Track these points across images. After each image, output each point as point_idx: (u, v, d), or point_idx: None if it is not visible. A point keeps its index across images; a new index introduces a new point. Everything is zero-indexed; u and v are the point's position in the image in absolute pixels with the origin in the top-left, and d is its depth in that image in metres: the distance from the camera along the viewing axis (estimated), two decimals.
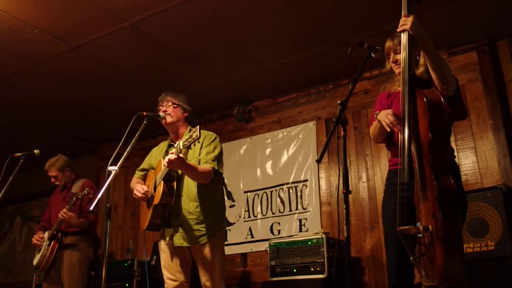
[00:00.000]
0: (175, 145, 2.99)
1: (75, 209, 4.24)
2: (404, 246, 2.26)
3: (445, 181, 2.18)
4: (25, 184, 6.06)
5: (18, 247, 7.40)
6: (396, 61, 2.69)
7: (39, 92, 5.08)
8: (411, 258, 2.24)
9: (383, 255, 4.23)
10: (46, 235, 4.36)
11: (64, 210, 4.11)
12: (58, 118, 5.75)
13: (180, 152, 2.87)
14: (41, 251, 4.28)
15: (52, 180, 4.55)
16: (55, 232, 4.26)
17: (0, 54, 4.32)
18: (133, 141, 2.96)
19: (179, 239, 3.10)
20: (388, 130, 2.50)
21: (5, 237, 7.64)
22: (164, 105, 3.33)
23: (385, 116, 2.49)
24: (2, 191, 3.60)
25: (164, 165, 3.00)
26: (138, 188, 3.26)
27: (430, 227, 2.13)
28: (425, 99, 2.31)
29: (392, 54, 2.71)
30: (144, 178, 3.48)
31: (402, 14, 2.47)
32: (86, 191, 4.09)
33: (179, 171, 3.15)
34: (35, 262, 4.32)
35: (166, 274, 3.19)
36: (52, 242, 4.25)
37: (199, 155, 3.20)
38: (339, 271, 3.82)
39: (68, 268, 4.20)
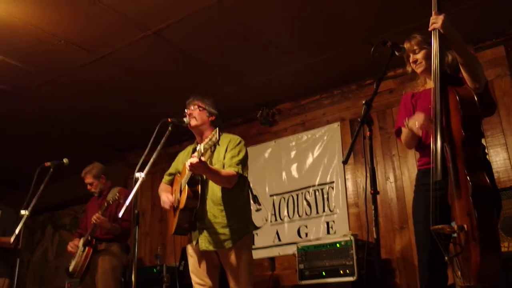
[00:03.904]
0: (197, 148, 3.01)
1: (109, 215, 4.30)
2: (436, 247, 2.22)
3: (479, 178, 2.14)
4: (55, 193, 6.18)
5: (50, 255, 7.55)
6: (415, 61, 2.68)
7: (66, 102, 5.18)
8: (445, 258, 2.20)
9: (414, 256, 4.16)
10: (81, 241, 4.44)
11: (97, 214, 4.18)
12: (85, 126, 5.85)
13: (202, 156, 2.87)
14: (76, 258, 4.36)
15: (88, 187, 4.65)
16: (89, 238, 4.34)
17: (28, 66, 4.43)
18: (158, 147, 2.98)
19: (204, 243, 3.10)
20: (420, 134, 2.47)
21: (37, 246, 7.81)
22: (190, 108, 3.35)
23: (415, 121, 2.46)
24: (34, 200, 3.67)
25: (187, 168, 3.02)
26: (164, 198, 3.29)
27: (465, 226, 2.08)
28: (457, 96, 2.28)
29: (411, 55, 2.71)
30: (171, 183, 3.51)
31: (433, 12, 2.43)
32: (116, 196, 4.16)
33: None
34: (70, 268, 4.40)
35: (194, 278, 3.20)
36: (87, 248, 4.33)
37: (224, 159, 3.20)
38: (369, 273, 3.77)
39: (102, 274, 4.26)
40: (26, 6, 3.63)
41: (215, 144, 2.80)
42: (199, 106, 3.34)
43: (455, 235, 2.17)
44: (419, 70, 2.71)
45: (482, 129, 2.51)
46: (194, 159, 2.86)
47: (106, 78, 4.73)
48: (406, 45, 2.70)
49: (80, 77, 4.68)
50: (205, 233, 3.11)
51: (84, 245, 4.35)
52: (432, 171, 2.27)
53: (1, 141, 6.04)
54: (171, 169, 3.55)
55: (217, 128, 2.83)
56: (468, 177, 2.13)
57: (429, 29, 2.44)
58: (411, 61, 2.73)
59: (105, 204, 4.21)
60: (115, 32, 3.97)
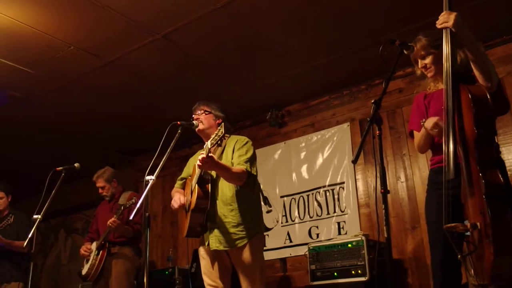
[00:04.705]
0: (205, 146, 3.02)
1: (122, 219, 4.33)
2: (450, 246, 2.21)
3: (493, 177, 2.13)
4: (67, 197, 6.23)
5: (63, 259, 7.60)
6: (424, 66, 2.67)
7: (76, 107, 5.22)
8: (458, 257, 2.19)
9: (426, 256, 4.13)
10: (94, 245, 4.47)
11: (113, 219, 4.21)
12: (95, 131, 5.89)
13: (210, 152, 2.89)
14: (90, 261, 4.39)
15: (100, 191, 4.69)
16: (103, 242, 4.37)
17: (39, 72, 4.47)
18: (168, 150, 2.99)
19: (214, 243, 3.11)
20: (436, 137, 2.47)
21: (50, 250, 7.87)
22: (197, 113, 3.39)
23: (431, 125, 2.47)
24: (46, 205, 3.70)
25: (197, 168, 3.03)
26: (175, 198, 3.31)
27: (478, 224, 2.07)
28: (469, 94, 2.27)
29: (419, 60, 2.69)
30: (183, 187, 3.53)
31: (444, 11, 2.42)
32: (133, 200, 4.19)
33: (214, 174, 3.18)
34: (83, 272, 4.43)
35: (206, 280, 3.21)
36: (101, 251, 4.37)
37: (232, 159, 3.21)
38: (381, 274, 3.74)
39: (116, 278, 4.29)
40: (36, 13, 3.66)
41: (222, 139, 2.82)
42: (205, 111, 3.38)
43: (468, 233, 2.16)
44: (429, 75, 2.69)
45: (495, 127, 2.49)
46: (202, 156, 2.88)
47: (116, 83, 4.76)
48: (418, 46, 2.68)
49: (90, 82, 4.71)
50: (215, 232, 3.12)
51: (98, 249, 4.39)
52: (444, 170, 2.26)
53: (13, 147, 6.11)
54: (183, 174, 3.58)
55: (222, 123, 2.85)
56: (481, 175, 2.12)
57: (439, 27, 2.41)
58: (420, 66, 2.71)
59: (121, 208, 4.25)
60: (124, 36, 4.00)
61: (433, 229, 2.48)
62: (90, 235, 4.71)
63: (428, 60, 2.65)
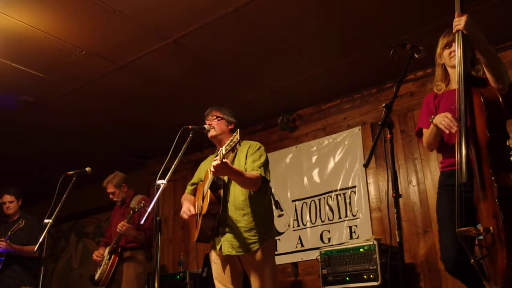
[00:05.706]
0: (218, 152, 3.02)
1: (133, 222, 4.34)
2: (462, 248, 2.18)
3: (505, 180, 2.11)
4: (78, 201, 6.26)
5: (74, 263, 7.64)
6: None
7: (87, 112, 5.25)
8: (471, 261, 2.16)
9: (439, 260, 4.08)
10: (106, 250, 4.48)
11: (122, 222, 4.22)
12: (107, 135, 5.92)
13: (224, 158, 2.89)
14: (102, 266, 4.41)
15: (110, 196, 4.71)
16: (115, 246, 4.38)
17: (50, 76, 4.51)
18: (179, 154, 3.00)
19: (227, 248, 3.11)
20: (447, 132, 2.43)
21: (61, 254, 7.91)
22: (209, 119, 3.40)
23: (442, 119, 2.43)
24: (57, 209, 3.72)
25: (210, 174, 3.03)
26: (185, 208, 3.31)
27: (491, 228, 2.05)
28: (481, 98, 2.26)
29: (453, 44, 2.63)
30: (194, 193, 3.54)
31: (456, 13, 2.41)
32: (142, 204, 4.20)
33: (226, 179, 3.17)
34: (96, 277, 4.45)
35: (218, 285, 3.21)
36: (112, 256, 4.38)
37: (245, 164, 3.21)
38: (393, 278, 3.71)
39: (127, 282, 4.30)
40: (48, 18, 3.70)
41: (236, 145, 2.81)
42: (217, 117, 3.38)
43: (481, 237, 2.14)
44: (453, 62, 2.65)
45: (507, 130, 2.47)
46: (216, 162, 2.87)
47: (127, 87, 4.78)
48: (448, 38, 2.66)
49: (101, 87, 4.74)
50: (227, 237, 3.11)
51: (110, 253, 4.40)
52: (456, 173, 2.24)
53: (25, 151, 6.16)
54: (194, 179, 3.58)
55: (238, 130, 2.84)
56: (493, 179, 2.10)
57: (453, 32, 2.41)
58: (451, 50, 2.65)
59: (130, 212, 4.26)
60: (135, 41, 4.02)
61: (446, 230, 2.46)
62: (105, 240, 4.73)
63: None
